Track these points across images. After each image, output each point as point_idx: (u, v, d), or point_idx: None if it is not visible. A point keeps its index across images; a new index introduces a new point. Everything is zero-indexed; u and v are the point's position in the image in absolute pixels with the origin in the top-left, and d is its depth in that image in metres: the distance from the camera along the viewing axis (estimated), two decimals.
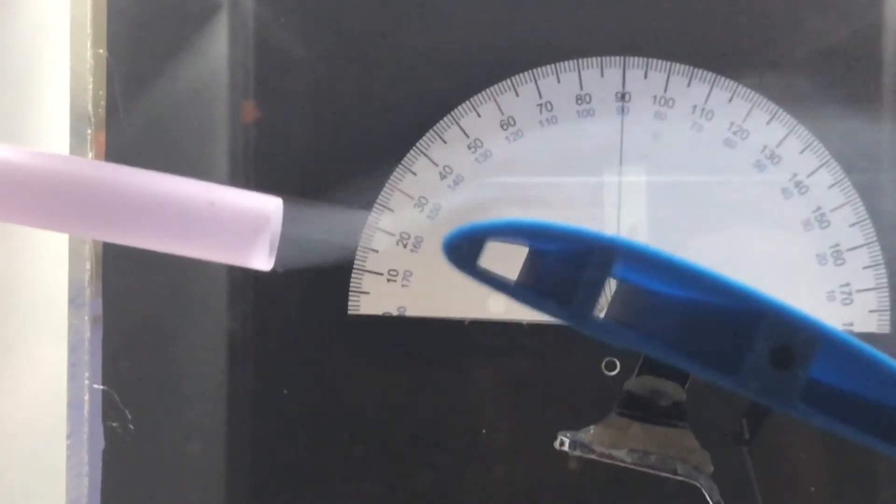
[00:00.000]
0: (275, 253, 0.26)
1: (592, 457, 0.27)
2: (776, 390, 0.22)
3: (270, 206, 0.25)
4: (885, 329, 0.29)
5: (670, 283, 0.23)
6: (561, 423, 0.27)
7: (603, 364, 0.29)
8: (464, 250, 0.22)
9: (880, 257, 0.29)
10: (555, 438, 0.27)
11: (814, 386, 0.23)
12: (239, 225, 0.24)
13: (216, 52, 0.32)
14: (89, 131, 0.29)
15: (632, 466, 0.27)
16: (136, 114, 0.30)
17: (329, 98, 0.31)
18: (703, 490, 0.27)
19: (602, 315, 0.25)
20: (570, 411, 0.29)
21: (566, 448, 0.27)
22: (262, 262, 0.25)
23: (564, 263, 0.22)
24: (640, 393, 0.27)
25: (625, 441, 0.27)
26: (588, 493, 0.31)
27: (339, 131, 0.31)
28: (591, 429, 0.27)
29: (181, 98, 0.31)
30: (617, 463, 0.27)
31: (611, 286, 0.26)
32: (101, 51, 0.30)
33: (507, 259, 0.22)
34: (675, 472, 0.27)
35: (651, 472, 0.27)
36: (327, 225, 0.30)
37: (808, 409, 0.23)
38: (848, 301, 0.29)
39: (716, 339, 0.23)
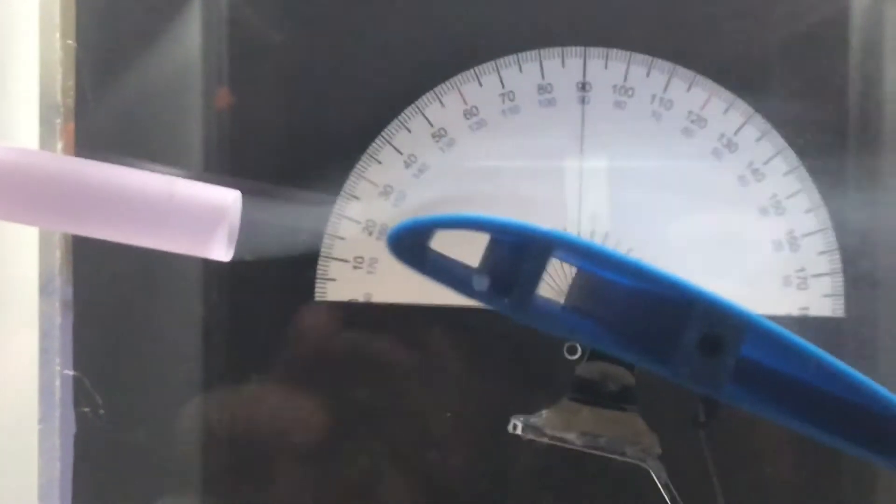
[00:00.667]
0: (234, 244, 0.27)
1: (544, 440, 0.28)
2: (705, 377, 0.24)
3: (229, 199, 0.26)
4: (840, 313, 0.30)
5: (609, 272, 0.24)
6: (525, 405, 0.28)
7: (565, 348, 0.31)
8: (407, 243, 0.23)
9: (835, 243, 0.30)
10: (511, 424, 0.28)
11: (744, 372, 0.24)
12: (198, 217, 0.25)
13: (189, 39, 0.32)
14: (59, 121, 0.30)
15: (582, 449, 0.28)
16: (106, 103, 0.31)
17: (301, 86, 0.32)
18: (651, 471, 0.28)
19: (563, 301, 0.26)
20: (533, 394, 0.30)
21: (519, 432, 0.28)
22: (221, 252, 0.26)
23: (509, 256, 0.24)
24: (591, 377, 0.28)
25: (575, 424, 0.28)
26: (550, 473, 0.32)
27: (310, 119, 0.32)
28: (543, 413, 0.28)
29: (153, 87, 0.32)
30: (567, 445, 0.28)
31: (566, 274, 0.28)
32: (69, 41, 0.30)
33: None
34: (623, 455, 0.28)
35: (600, 454, 0.28)
36: (296, 212, 0.31)
37: (737, 394, 0.24)
38: (803, 286, 0.30)
39: (651, 328, 0.25)
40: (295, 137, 0.32)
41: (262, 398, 0.32)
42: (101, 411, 0.31)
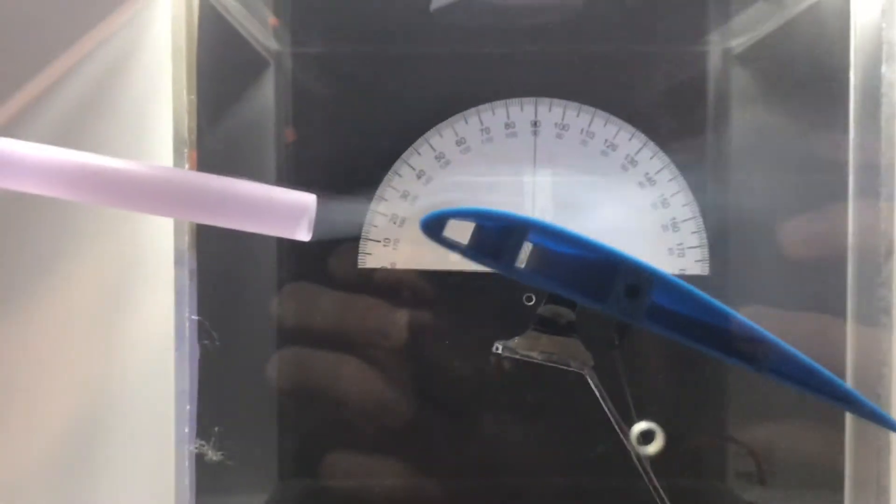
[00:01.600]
0: (312, 230, 0.32)
1: (517, 356, 0.35)
2: (629, 312, 0.32)
3: (309, 199, 0.31)
4: (706, 272, 0.42)
5: (564, 245, 0.33)
6: (499, 336, 0.37)
7: (524, 297, 0.42)
8: (432, 226, 0.31)
9: (702, 226, 0.41)
10: (494, 347, 0.36)
11: (657, 309, 0.32)
12: (290, 211, 0.30)
13: (266, 93, 0.43)
14: (185, 150, 0.39)
15: (541, 362, 0.35)
16: (214, 139, 0.41)
17: (345, 126, 0.43)
18: (587, 377, 0.35)
19: (523, 266, 0.34)
20: (504, 329, 0.37)
21: (500, 351, 0.35)
22: (304, 235, 0.31)
23: (497, 234, 0.32)
24: (547, 315, 0.35)
25: (537, 346, 0.35)
26: (517, 383, 0.43)
27: (352, 149, 0.43)
28: (516, 339, 0.35)
29: (245, 126, 0.42)
30: (532, 360, 0.35)
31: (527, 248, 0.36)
32: (192, 96, 0.39)
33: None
34: (569, 366, 0.35)
35: (554, 365, 0.35)
36: (345, 211, 0.41)
37: (651, 324, 0.32)
38: (682, 254, 0.42)
39: (592, 280, 0.32)
40: (340, 161, 0.43)
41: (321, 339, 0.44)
42: (217, 343, 0.39)
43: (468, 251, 0.32)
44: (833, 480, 0.41)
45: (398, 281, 0.43)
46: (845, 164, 0.41)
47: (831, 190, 0.41)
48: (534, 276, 0.32)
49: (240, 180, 0.31)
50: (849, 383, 0.41)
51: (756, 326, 0.31)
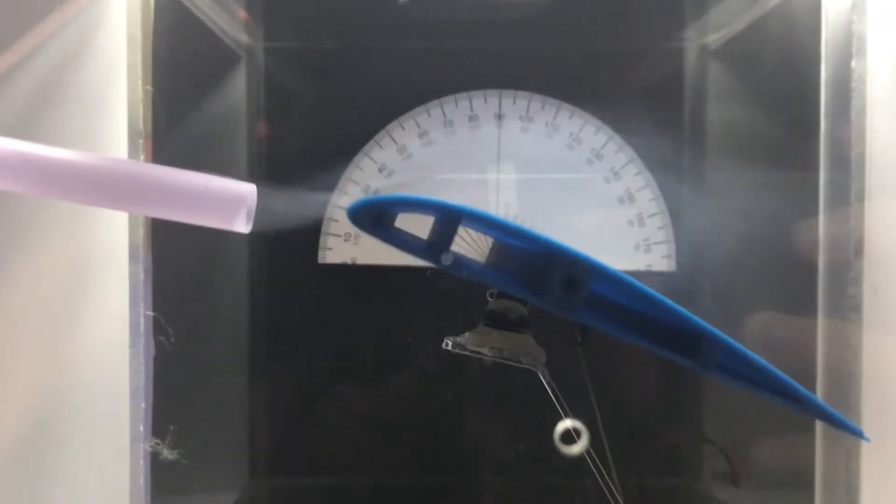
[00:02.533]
0: (251, 221, 0.31)
1: (466, 353, 0.34)
2: (566, 305, 0.30)
3: (246, 189, 0.30)
4: (673, 268, 0.42)
5: (499, 234, 0.32)
6: (462, 329, 0.36)
7: (488, 293, 0.41)
8: (360, 215, 0.30)
9: (669, 221, 0.41)
10: (444, 343, 0.35)
11: (597, 303, 0.31)
12: (225, 201, 0.29)
13: (238, 87, 0.43)
14: (140, 141, 0.39)
15: (492, 359, 0.34)
16: (173, 129, 0.41)
17: (317, 120, 0.43)
18: (539, 374, 0.34)
19: (483, 261, 0.33)
20: (467, 323, 0.37)
21: (449, 347, 0.34)
22: (242, 227, 0.30)
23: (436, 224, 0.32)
24: (498, 310, 0.34)
25: (487, 342, 0.34)
26: (476, 374, 0.43)
27: (318, 142, 0.43)
28: (466, 335, 0.34)
29: (212, 118, 0.42)
30: (482, 357, 0.34)
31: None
32: (148, 87, 0.39)
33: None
34: (520, 362, 0.34)
35: (505, 362, 0.34)
36: (308, 203, 0.41)
37: (589, 318, 0.31)
38: (648, 250, 0.41)
39: (532, 273, 0.31)
40: (313, 155, 0.43)
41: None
42: (172, 339, 0.39)
43: (396, 241, 0.31)
44: (804, 481, 0.41)
45: (360, 277, 0.43)
46: (817, 158, 0.41)
47: (804, 186, 0.41)
48: (462, 268, 0.31)
49: (176, 169, 0.30)
50: (819, 381, 0.42)
51: (700, 321, 0.30)
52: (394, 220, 0.31)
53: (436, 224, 0.32)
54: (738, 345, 0.30)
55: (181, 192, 0.29)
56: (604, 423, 0.37)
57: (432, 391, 0.44)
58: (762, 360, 0.30)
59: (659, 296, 0.30)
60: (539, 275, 0.31)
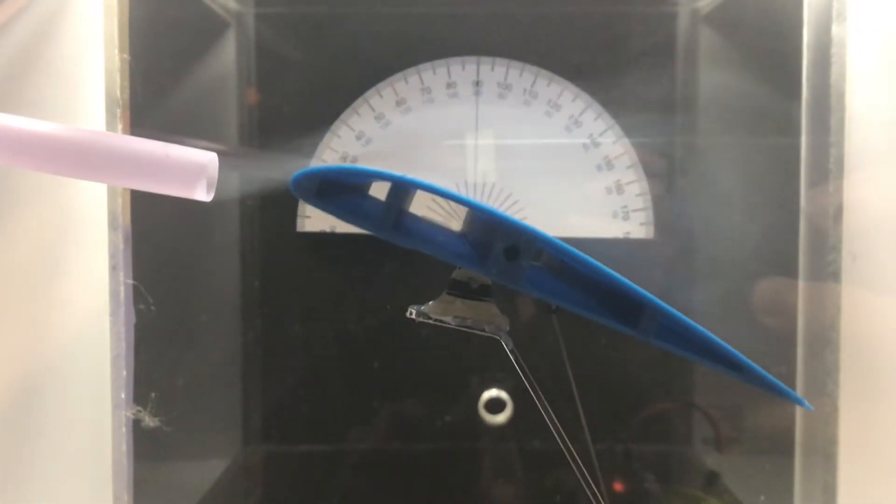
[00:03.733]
0: (213, 190, 0.30)
1: (430, 321, 0.34)
2: (508, 275, 0.30)
3: (206, 158, 0.29)
4: (651, 235, 0.42)
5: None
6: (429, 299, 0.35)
7: None
8: (303, 185, 0.29)
9: (647, 188, 0.41)
10: (408, 311, 0.34)
11: (539, 273, 0.31)
12: (185, 169, 0.28)
13: (227, 55, 0.43)
14: (118, 111, 0.39)
15: (456, 328, 0.34)
16: (157, 99, 0.41)
17: (303, 87, 0.43)
18: (502, 342, 0.34)
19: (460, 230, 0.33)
20: (433, 293, 0.36)
21: (413, 316, 0.34)
22: (203, 195, 0.29)
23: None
24: (461, 279, 0.34)
25: (451, 311, 0.33)
26: (442, 340, 0.43)
27: (308, 108, 0.43)
28: (430, 303, 0.34)
29: (198, 86, 0.42)
30: (446, 325, 0.34)
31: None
32: (125, 55, 0.39)
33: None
34: (483, 331, 0.34)
35: (469, 331, 0.34)
36: (290, 171, 0.41)
37: (531, 288, 0.30)
38: (626, 217, 0.42)
39: (476, 242, 0.31)
40: (298, 120, 0.43)
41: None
42: (152, 307, 0.40)
43: (342, 214, 0.30)
44: (784, 448, 0.42)
45: (338, 245, 0.43)
46: (799, 124, 0.42)
47: (788, 151, 0.41)
48: (407, 239, 0.31)
49: (136, 138, 0.30)
50: (799, 346, 0.42)
51: (640, 289, 0.29)
52: (340, 190, 0.30)
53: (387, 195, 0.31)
54: (677, 313, 0.30)
55: (141, 161, 0.28)
56: (594, 392, 0.38)
57: (424, 358, 0.44)
58: (702, 329, 0.30)
59: (598, 264, 0.30)
60: (483, 244, 0.30)
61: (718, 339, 0.29)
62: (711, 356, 0.30)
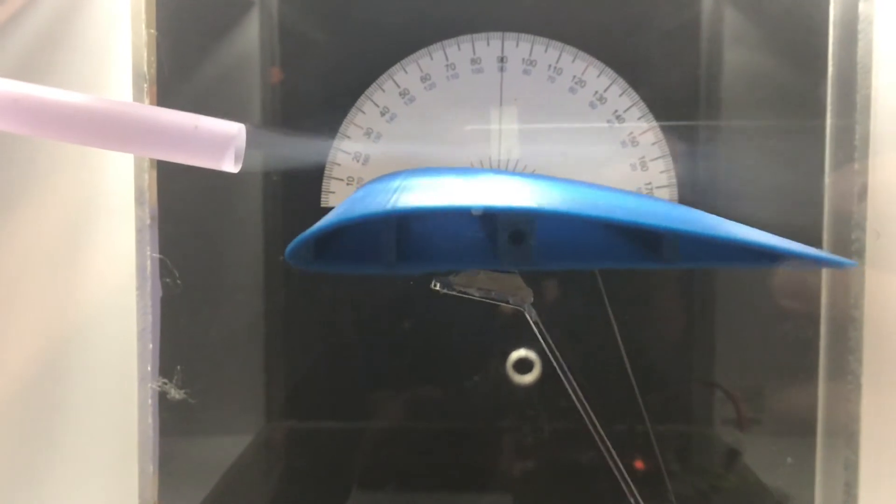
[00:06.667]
0: (241, 162, 0.31)
1: (454, 293, 0.34)
2: (518, 259, 0.31)
3: (234, 129, 0.30)
4: None
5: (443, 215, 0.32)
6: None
7: None
8: (299, 255, 0.29)
9: (672, 165, 0.41)
10: (433, 283, 0.35)
11: (545, 249, 0.31)
12: (213, 141, 0.29)
13: (251, 33, 0.43)
14: (145, 85, 0.40)
15: (480, 299, 0.34)
16: (183, 74, 0.41)
17: (326, 65, 0.43)
18: (525, 312, 0.35)
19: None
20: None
21: (438, 288, 0.34)
22: (230, 166, 0.30)
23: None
24: None
25: (475, 283, 0.34)
26: (468, 313, 0.42)
27: (331, 86, 0.43)
28: (454, 276, 0.34)
29: (222, 63, 0.42)
30: (471, 296, 0.34)
31: None
32: (152, 30, 0.40)
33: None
34: (507, 302, 0.34)
35: (493, 302, 0.35)
36: (314, 148, 0.41)
37: (544, 264, 0.31)
38: (651, 194, 0.41)
39: (481, 239, 0.32)
40: (322, 98, 0.43)
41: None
42: (179, 281, 0.40)
43: (344, 267, 0.31)
44: (807, 428, 0.42)
45: None
46: (825, 102, 0.41)
47: (811, 132, 0.41)
48: (415, 266, 0.31)
49: (165, 109, 0.30)
50: (822, 325, 0.42)
51: (651, 221, 0.28)
52: (340, 237, 0.31)
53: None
54: (693, 228, 0.29)
55: (170, 131, 0.28)
56: (613, 371, 0.38)
57: (446, 335, 0.44)
58: (724, 234, 0.29)
59: (605, 212, 0.29)
60: (488, 235, 0.31)
61: (742, 236, 0.28)
62: (739, 256, 0.30)
